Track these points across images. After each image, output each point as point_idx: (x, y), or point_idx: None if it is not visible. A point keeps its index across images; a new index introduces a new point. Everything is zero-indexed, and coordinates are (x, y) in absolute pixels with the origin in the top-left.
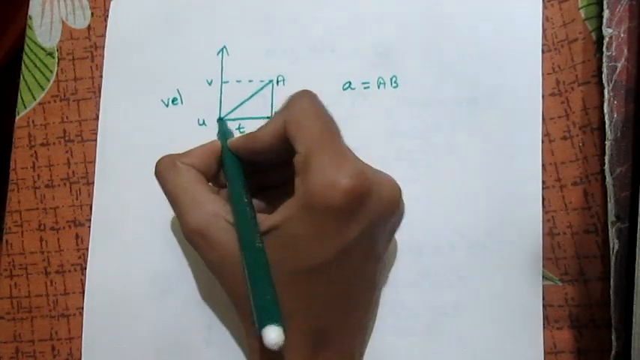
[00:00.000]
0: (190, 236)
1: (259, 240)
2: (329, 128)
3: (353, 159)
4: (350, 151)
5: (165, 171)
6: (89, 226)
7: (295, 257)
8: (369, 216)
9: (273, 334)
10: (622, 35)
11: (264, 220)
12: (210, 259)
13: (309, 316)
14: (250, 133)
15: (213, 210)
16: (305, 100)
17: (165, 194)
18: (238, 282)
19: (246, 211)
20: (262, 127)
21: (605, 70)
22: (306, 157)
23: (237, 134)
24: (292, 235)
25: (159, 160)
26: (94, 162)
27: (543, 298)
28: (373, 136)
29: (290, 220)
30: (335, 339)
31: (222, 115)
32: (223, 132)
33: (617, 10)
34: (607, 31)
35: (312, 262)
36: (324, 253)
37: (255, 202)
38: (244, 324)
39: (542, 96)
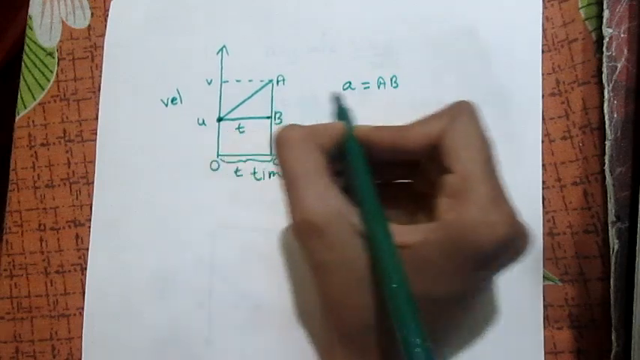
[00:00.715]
0: (305, 228)
1: (397, 253)
2: (492, 156)
3: (508, 198)
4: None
5: (292, 144)
6: (89, 226)
7: (421, 282)
8: (505, 260)
9: (421, 355)
10: (622, 35)
11: (398, 234)
12: (321, 259)
13: None
14: (394, 127)
15: (338, 207)
16: (473, 115)
17: (283, 169)
18: (348, 289)
19: (384, 219)
20: (412, 126)
21: (605, 70)
22: (464, 182)
23: (236, 133)
24: (426, 259)
25: (286, 128)
26: (94, 162)
27: (543, 298)
28: None
29: (429, 245)
30: None
31: (221, 115)
32: (342, 113)
33: (617, 10)
34: (607, 31)
35: (437, 292)
36: (453, 286)
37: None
38: (338, 331)
39: (542, 96)
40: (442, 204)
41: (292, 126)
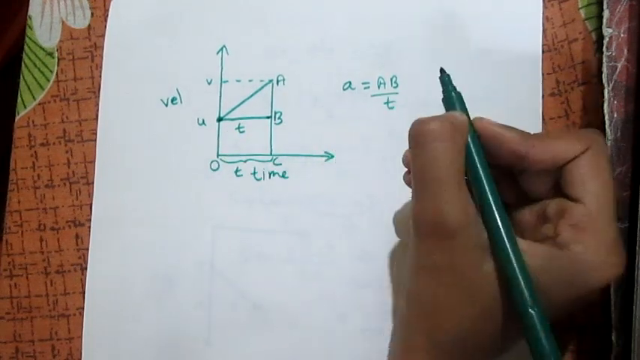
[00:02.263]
0: (433, 229)
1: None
2: (616, 196)
3: (622, 240)
4: None
5: (444, 141)
6: (89, 226)
7: None
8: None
9: None
10: (622, 35)
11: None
12: (436, 262)
13: None
14: (521, 132)
15: (472, 216)
16: (604, 148)
17: (426, 165)
18: (456, 297)
19: (512, 231)
20: (541, 138)
21: (605, 70)
22: (595, 216)
23: (236, 133)
24: (540, 286)
25: (433, 121)
26: (94, 162)
27: None
28: (373, 136)
29: (548, 272)
30: None
31: (221, 115)
32: (458, 99)
33: (617, 10)
34: (607, 31)
35: None
36: (554, 313)
37: None
38: (428, 337)
39: (542, 96)
40: (566, 232)
41: (438, 119)
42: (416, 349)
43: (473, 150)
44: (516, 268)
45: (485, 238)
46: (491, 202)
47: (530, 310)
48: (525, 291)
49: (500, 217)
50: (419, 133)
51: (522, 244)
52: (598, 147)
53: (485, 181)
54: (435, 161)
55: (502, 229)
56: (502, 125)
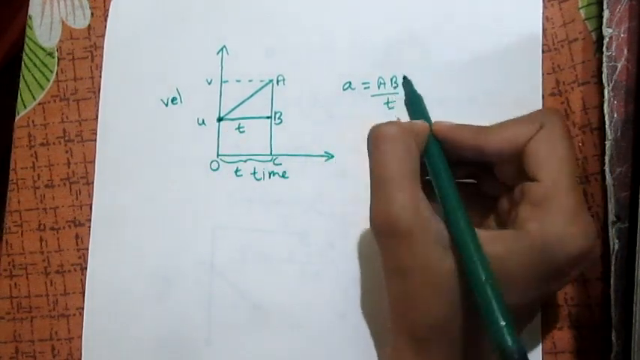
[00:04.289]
0: (390, 230)
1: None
2: (576, 168)
3: (587, 209)
4: None
5: (393, 142)
6: (89, 226)
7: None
8: (579, 270)
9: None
10: (622, 35)
11: (482, 243)
12: (401, 263)
13: None
14: (475, 127)
15: (426, 214)
16: (561, 124)
17: (378, 167)
18: (424, 294)
19: (471, 225)
20: (495, 128)
21: (605, 70)
22: (550, 192)
23: (236, 133)
24: (507, 271)
25: (387, 125)
26: (94, 162)
27: None
28: None
29: (511, 255)
30: None
31: (221, 115)
32: (418, 112)
33: (617, 10)
34: (607, 31)
35: (511, 300)
36: (527, 296)
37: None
38: (408, 334)
39: (542, 96)
40: (525, 212)
41: (392, 123)
42: (402, 349)
43: (431, 151)
44: (472, 256)
45: (446, 235)
46: (448, 198)
47: (484, 290)
48: (482, 281)
49: (455, 211)
50: (371, 136)
51: (483, 234)
52: (551, 124)
53: (440, 179)
54: (384, 162)
55: (458, 222)
56: (458, 125)
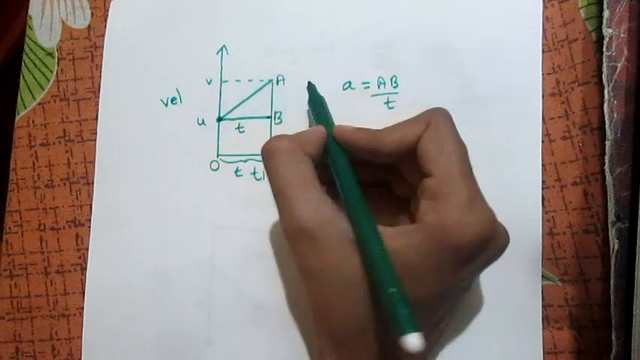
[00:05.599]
0: (296, 234)
1: (387, 251)
2: (467, 160)
3: (484, 199)
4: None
5: (282, 155)
6: (89, 226)
7: (406, 284)
8: (484, 259)
9: (417, 341)
10: (622, 35)
11: (384, 237)
12: (311, 265)
13: None
14: (371, 130)
15: (328, 214)
16: (448, 121)
17: (273, 179)
18: (337, 294)
19: (372, 221)
20: (388, 130)
21: (605, 70)
22: (442, 184)
23: (236, 133)
24: (410, 263)
25: (274, 139)
26: (94, 162)
27: (543, 298)
28: None
29: (412, 248)
30: None
31: (221, 115)
32: (322, 114)
33: (617, 10)
34: (607, 31)
35: (420, 294)
36: (435, 287)
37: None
38: (328, 334)
39: (542, 96)
40: (424, 206)
41: (279, 137)
42: (327, 352)
43: (332, 153)
44: (372, 250)
45: (351, 233)
46: (348, 196)
47: (387, 290)
48: (382, 274)
49: (355, 207)
50: (266, 150)
51: (386, 230)
52: (436, 121)
53: (340, 178)
54: (277, 174)
55: (358, 218)
56: (356, 128)
